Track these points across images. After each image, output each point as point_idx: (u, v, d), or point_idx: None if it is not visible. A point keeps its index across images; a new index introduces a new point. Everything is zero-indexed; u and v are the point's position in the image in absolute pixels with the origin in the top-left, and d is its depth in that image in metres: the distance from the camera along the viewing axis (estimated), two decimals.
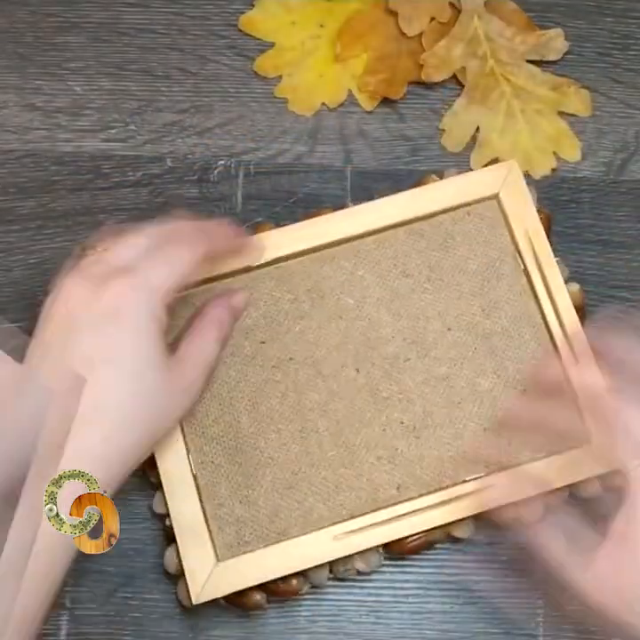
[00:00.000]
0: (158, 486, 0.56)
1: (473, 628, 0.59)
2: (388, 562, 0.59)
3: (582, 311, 0.60)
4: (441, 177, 0.62)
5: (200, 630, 0.58)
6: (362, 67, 0.66)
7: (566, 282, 0.59)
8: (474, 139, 0.65)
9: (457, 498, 0.56)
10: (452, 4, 0.66)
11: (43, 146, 0.65)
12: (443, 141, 0.65)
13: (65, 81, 0.66)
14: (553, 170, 0.65)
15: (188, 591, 0.54)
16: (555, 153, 0.65)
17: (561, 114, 0.66)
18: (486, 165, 0.64)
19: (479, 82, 0.65)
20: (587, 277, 0.63)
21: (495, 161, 0.64)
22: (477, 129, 0.65)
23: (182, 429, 0.56)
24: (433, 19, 0.66)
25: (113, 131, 0.65)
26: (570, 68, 0.66)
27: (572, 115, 0.66)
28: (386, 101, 0.66)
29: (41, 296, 0.62)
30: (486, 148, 0.65)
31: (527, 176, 0.64)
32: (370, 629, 0.59)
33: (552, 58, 0.66)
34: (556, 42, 0.66)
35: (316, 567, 0.56)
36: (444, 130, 0.65)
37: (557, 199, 0.65)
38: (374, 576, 0.59)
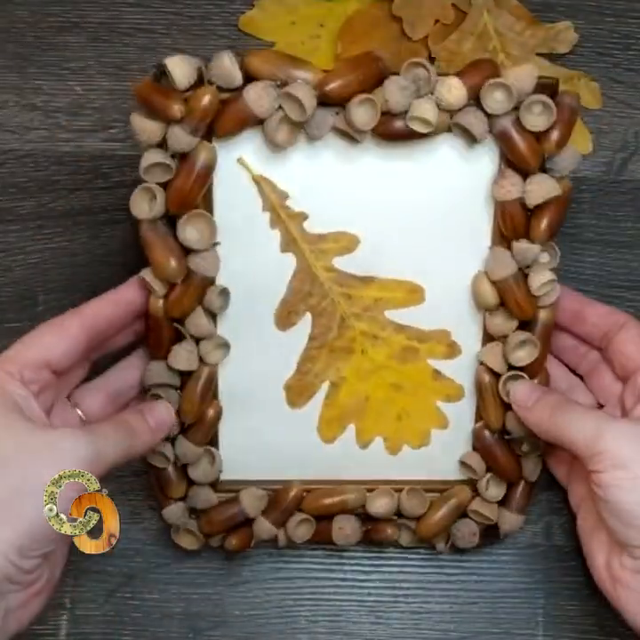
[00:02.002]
0: None
1: (473, 627, 0.59)
2: (380, 556, 0.59)
3: None
4: None
5: (200, 630, 0.59)
6: None
7: None
8: None
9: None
10: (454, 5, 0.66)
11: (43, 146, 0.65)
12: None
13: (65, 81, 0.66)
14: None
15: None
16: None
17: None
18: None
19: None
20: (587, 277, 0.63)
21: None
22: None
23: None
24: (437, 21, 0.66)
25: (113, 131, 0.65)
26: (570, 68, 0.66)
27: (582, 107, 0.66)
28: None
29: (41, 296, 0.62)
30: None
31: None
32: (370, 629, 0.59)
33: (562, 50, 0.66)
34: (565, 34, 0.66)
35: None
36: None
37: None
38: (374, 576, 0.59)
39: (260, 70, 0.49)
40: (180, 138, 0.49)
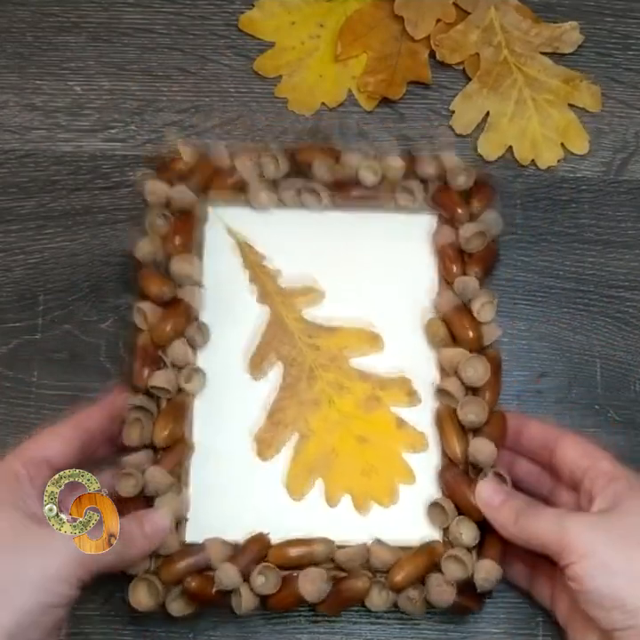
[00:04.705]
0: None
1: (473, 627, 0.59)
2: None
3: None
4: None
5: (200, 630, 0.59)
6: (362, 67, 0.66)
7: None
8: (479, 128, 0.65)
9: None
10: (456, 5, 0.66)
11: (43, 146, 0.65)
12: (452, 123, 0.65)
13: (65, 81, 0.66)
14: (559, 161, 0.65)
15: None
16: (563, 144, 0.65)
17: (571, 107, 0.66)
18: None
19: (492, 69, 0.66)
20: (587, 277, 0.64)
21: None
22: (487, 114, 0.65)
23: None
24: (439, 20, 0.66)
25: (113, 131, 0.65)
26: (570, 68, 0.67)
27: (581, 108, 0.66)
28: (385, 101, 0.66)
29: (41, 296, 0.62)
30: (495, 132, 0.65)
31: (533, 165, 0.65)
32: (370, 629, 0.59)
33: (567, 50, 0.66)
34: (570, 34, 0.66)
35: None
36: (453, 111, 0.65)
37: (557, 199, 0.65)
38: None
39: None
40: (183, 193, 0.59)
